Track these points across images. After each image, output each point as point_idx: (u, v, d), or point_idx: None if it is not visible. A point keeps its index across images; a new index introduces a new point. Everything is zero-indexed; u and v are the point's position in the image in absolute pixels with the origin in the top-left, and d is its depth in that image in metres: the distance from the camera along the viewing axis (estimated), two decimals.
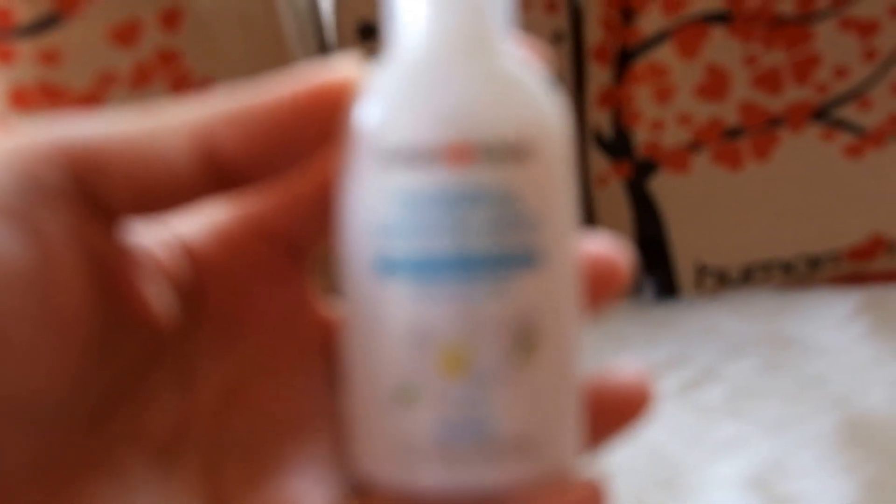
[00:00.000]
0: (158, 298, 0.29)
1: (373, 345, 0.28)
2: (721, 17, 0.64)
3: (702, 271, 0.74)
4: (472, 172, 0.27)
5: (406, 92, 0.27)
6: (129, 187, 0.27)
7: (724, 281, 0.75)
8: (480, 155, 0.27)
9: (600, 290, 0.31)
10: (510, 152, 0.27)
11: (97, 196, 0.27)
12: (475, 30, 0.28)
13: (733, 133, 0.69)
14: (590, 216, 0.75)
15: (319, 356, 0.32)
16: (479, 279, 0.27)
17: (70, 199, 0.26)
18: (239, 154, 0.27)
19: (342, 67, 0.28)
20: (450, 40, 0.28)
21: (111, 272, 0.27)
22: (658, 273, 0.75)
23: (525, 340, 0.27)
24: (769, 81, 0.67)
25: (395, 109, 0.27)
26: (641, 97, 0.68)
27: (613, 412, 0.30)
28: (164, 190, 0.27)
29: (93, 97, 0.55)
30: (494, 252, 0.27)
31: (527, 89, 0.28)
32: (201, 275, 0.31)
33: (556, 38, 0.68)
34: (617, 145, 0.70)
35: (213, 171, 0.27)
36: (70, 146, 0.26)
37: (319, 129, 0.27)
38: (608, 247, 0.31)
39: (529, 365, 0.27)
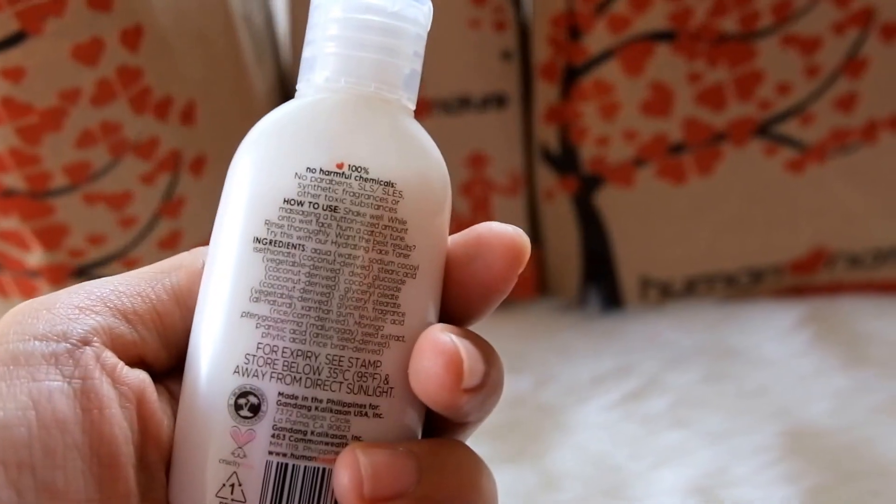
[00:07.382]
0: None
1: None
2: (666, 36, 0.65)
3: (646, 283, 0.75)
4: None
5: None
6: None
7: (667, 293, 0.76)
8: None
9: (509, 265, 0.32)
10: None
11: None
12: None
13: (677, 148, 0.70)
14: (536, 230, 0.75)
15: None
16: None
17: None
18: None
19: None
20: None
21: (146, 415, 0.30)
22: (603, 285, 0.76)
23: None
24: (713, 98, 0.68)
25: None
26: (588, 113, 0.68)
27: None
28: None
29: (56, 113, 0.55)
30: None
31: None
32: None
33: (504, 56, 0.68)
34: (564, 160, 0.71)
35: None
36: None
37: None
38: (510, 230, 0.32)
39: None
